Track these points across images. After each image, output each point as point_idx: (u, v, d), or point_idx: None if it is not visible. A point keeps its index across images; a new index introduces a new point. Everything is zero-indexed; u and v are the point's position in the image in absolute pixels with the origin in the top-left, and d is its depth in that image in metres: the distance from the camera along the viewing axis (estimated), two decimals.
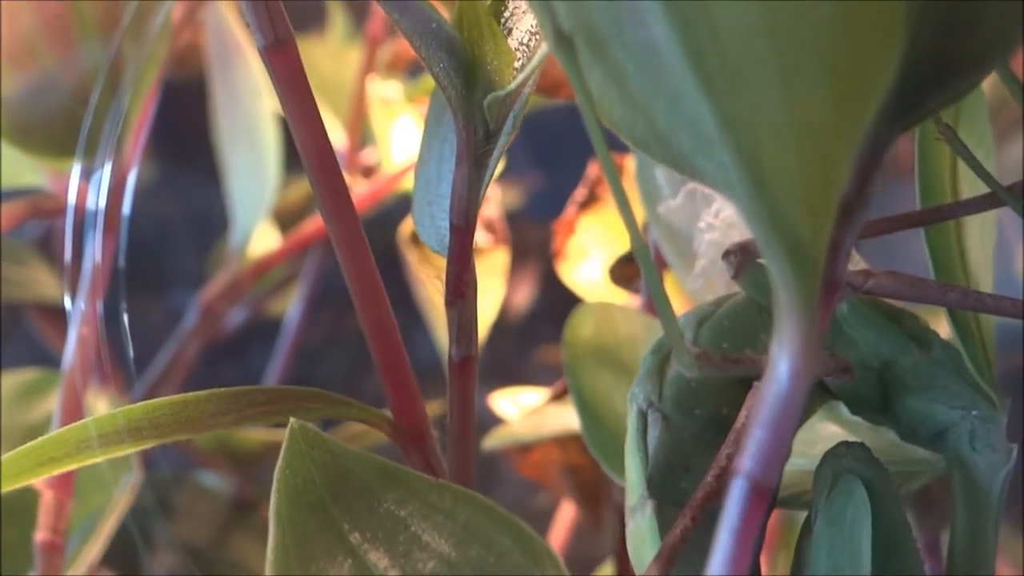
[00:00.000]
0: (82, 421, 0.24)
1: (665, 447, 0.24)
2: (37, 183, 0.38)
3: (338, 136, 0.54)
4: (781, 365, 0.18)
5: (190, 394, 0.24)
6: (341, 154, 0.54)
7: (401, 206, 0.53)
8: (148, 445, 0.25)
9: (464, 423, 0.26)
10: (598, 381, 0.33)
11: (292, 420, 0.22)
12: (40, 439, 0.24)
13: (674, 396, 0.24)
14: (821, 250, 0.18)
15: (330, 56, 0.56)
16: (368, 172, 0.53)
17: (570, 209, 0.44)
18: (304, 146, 0.24)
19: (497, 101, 0.22)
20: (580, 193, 0.43)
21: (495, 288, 0.46)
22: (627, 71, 0.18)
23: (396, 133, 0.49)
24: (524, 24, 0.23)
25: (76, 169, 0.36)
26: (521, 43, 0.23)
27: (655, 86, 0.18)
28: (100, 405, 0.44)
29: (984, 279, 0.26)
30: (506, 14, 0.23)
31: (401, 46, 0.54)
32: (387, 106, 0.49)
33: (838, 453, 0.24)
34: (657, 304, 0.20)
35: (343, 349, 0.75)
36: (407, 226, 0.48)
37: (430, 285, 0.48)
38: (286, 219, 0.52)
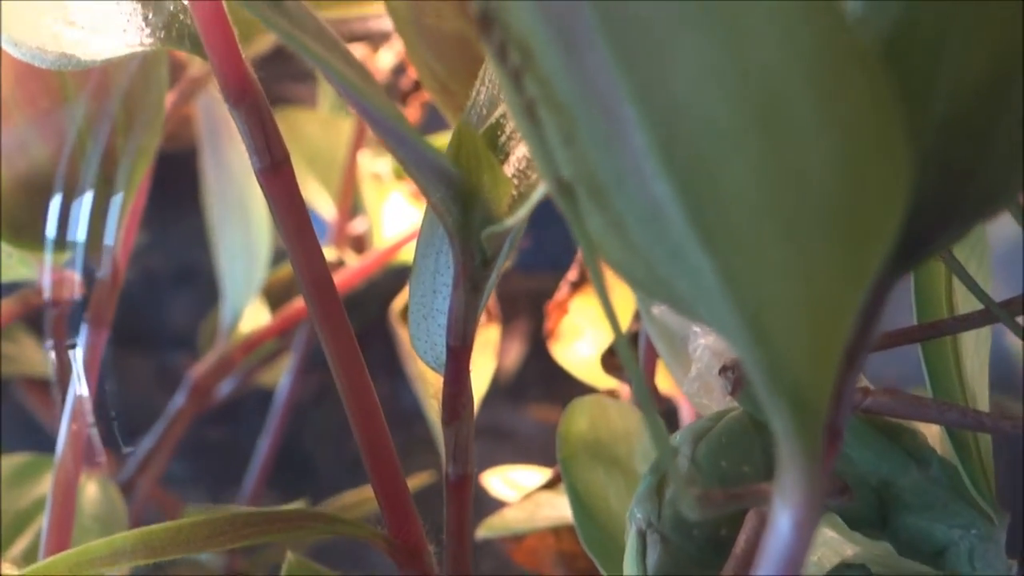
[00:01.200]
0: (73, 550, 0.23)
1: (664, 568, 0.24)
2: (28, 276, 0.37)
3: (328, 208, 0.54)
4: (783, 518, 0.18)
5: (185, 520, 0.23)
6: (331, 226, 0.53)
7: (394, 274, 0.53)
8: (142, 562, 0.25)
9: (460, 540, 0.26)
10: (593, 477, 0.33)
11: (289, 554, 0.21)
12: (30, 568, 0.23)
13: (673, 517, 0.24)
14: (824, 400, 0.18)
15: (320, 125, 0.56)
16: (359, 245, 0.53)
17: (562, 289, 0.43)
18: (300, 266, 0.24)
19: (495, 234, 0.22)
20: (572, 273, 0.43)
21: (487, 363, 0.46)
22: (627, 221, 0.18)
23: (387, 209, 0.49)
24: (521, 149, 0.23)
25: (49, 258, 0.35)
26: (519, 169, 0.23)
27: (655, 237, 0.18)
28: (91, 487, 0.43)
29: (980, 391, 0.26)
30: (503, 138, 0.23)
31: None
32: (377, 181, 0.49)
33: None
34: (652, 435, 0.19)
35: (333, 410, 0.74)
36: (400, 300, 0.48)
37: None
38: (277, 293, 0.52)
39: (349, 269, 0.49)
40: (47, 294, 0.35)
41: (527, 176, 0.23)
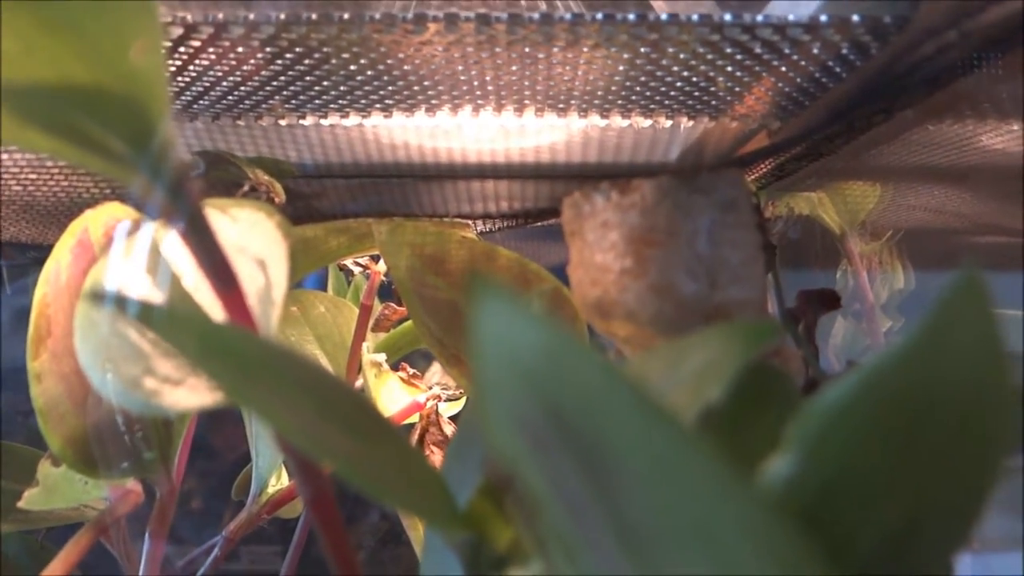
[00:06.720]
0: None
1: None
2: (100, 496, 0.37)
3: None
4: None
5: None
6: None
7: None
8: None
9: None
10: None
11: None
12: None
13: None
14: None
15: (328, 305, 0.56)
16: None
17: None
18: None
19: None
20: None
21: None
22: None
23: (384, 392, 0.48)
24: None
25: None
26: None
27: None
28: None
29: None
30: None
31: (388, 310, 0.53)
32: (377, 368, 0.49)
33: None
34: None
35: None
36: None
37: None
38: None
39: None
40: (114, 511, 0.34)
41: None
